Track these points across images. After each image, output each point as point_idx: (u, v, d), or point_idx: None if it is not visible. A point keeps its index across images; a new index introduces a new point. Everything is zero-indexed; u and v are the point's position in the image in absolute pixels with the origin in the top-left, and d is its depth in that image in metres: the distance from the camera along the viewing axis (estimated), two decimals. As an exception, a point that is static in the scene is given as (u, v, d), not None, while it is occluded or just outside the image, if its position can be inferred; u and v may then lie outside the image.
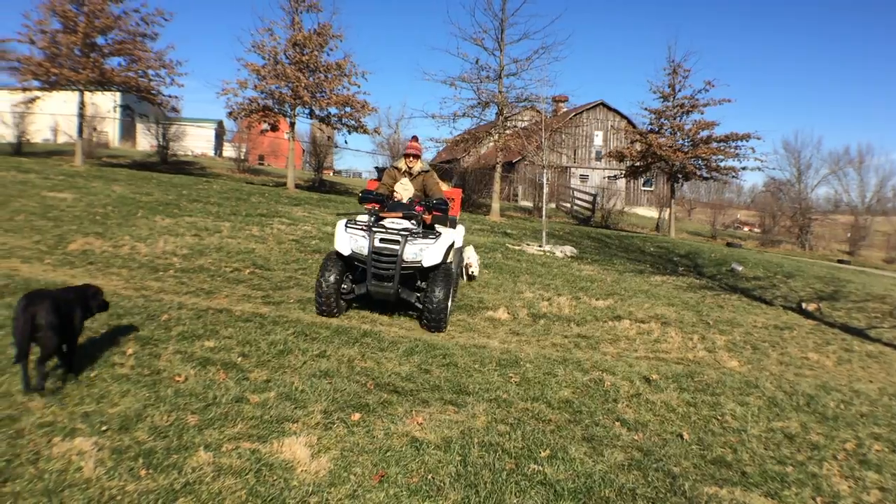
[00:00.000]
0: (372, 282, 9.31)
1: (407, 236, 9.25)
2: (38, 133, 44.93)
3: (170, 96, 31.77)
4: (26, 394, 5.47)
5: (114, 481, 4.22)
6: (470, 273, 13.37)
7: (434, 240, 9.35)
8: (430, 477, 4.78)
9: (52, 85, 29.37)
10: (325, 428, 5.44)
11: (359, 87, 32.52)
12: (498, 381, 7.32)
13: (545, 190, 25.23)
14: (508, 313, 11.00)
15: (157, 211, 17.50)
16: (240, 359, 6.98)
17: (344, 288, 9.66)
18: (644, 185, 60.61)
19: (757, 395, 7.98)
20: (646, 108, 41.85)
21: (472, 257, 13.47)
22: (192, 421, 5.25)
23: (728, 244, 41.38)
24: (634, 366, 8.67)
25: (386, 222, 9.69)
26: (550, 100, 35.55)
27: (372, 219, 9.70)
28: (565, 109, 53.82)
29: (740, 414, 7.17)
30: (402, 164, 10.86)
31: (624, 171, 45.45)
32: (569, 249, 21.13)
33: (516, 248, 20.15)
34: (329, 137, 50.32)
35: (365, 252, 9.30)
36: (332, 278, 9.30)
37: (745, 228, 70.08)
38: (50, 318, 5.51)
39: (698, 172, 40.61)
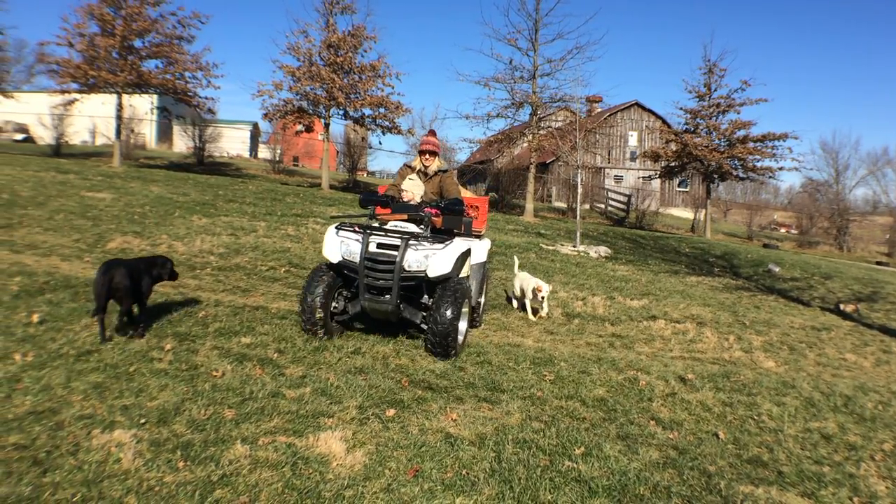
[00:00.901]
0: (366, 295, 7.67)
1: (409, 240, 7.57)
2: (77, 135, 45.62)
3: (206, 98, 32.23)
4: (102, 343, 6.80)
5: (152, 472, 4.28)
6: (540, 297, 10.65)
7: (443, 245, 7.61)
8: (464, 472, 4.79)
9: (90, 87, 29.83)
10: (361, 423, 5.47)
11: (392, 88, 32.81)
12: (532, 379, 7.32)
13: (579, 190, 25.15)
14: (542, 312, 10.98)
15: (193, 211, 17.70)
16: (276, 355, 7.04)
17: (335, 307, 8.01)
18: (679, 185, 60.28)
19: (794, 395, 7.89)
20: (681, 108, 41.67)
21: (539, 282, 10.73)
22: (229, 415, 5.31)
23: (764, 245, 40.99)
24: (670, 365, 8.63)
25: (388, 225, 8.14)
26: (584, 100, 35.42)
27: (371, 221, 8.50)
28: (599, 110, 53.62)
29: (777, 414, 7.09)
30: (416, 163, 9.26)
31: (659, 172, 45.20)
32: (603, 250, 21.07)
33: (550, 248, 20.14)
34: (363, 138, 50.49)
35: (357, 259, 7.63)
36: (318, 293, 7.68)
37: (782, 230, 69.43)
38: (125, 282, 6.94)
39: (734, 172, 40.29)
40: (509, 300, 12.00)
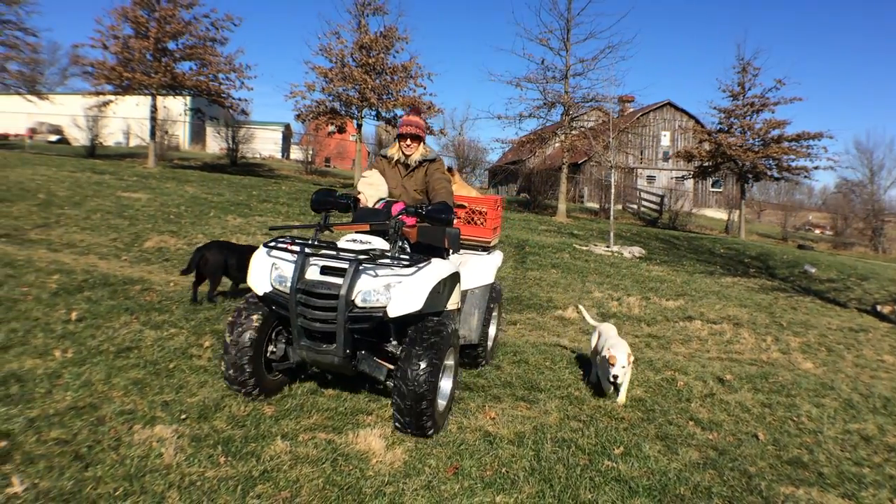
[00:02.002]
0: (302, 341, 5.42)
1: (360, 262, 5.32)
2: (111, 136, 46.03)
3: (239, 99, 32.48)
4: (191, 304, 8.53)
5: (193, 467, 4.31)
6: (611, 375, 6.60)
7: (414, 269, 5.37)
8: (503, 471, 4.77)
9: (125, 89, 30.14)
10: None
11: (424, 88, 32.88)
12: (569, 378, 7.29)
13: (612, 190, 25.03)
14: (578, 312, 10.93)
15: (228, 210, 17.84)
16: (312, 353, 7.07)
17: (273, 351, 5.77)
18: (713, 186, 59.77)
19: (832, 396, 7.81)
20: (715, 108, 41.40)
21: (616, 346, 6.80)
22: (269, 412, 5.34)
23: (799, 246, 40.55)
24: (707, 366, 8.57)
25: (343, 241, 5.75)
26: (617, 100, 35.34)
27: (322, 232, 6.02)
28: (631, 109, 53.30)
29: (816, 415, 7.02)
30: (394, 151, 6.95)
31: (692, 172, 44.92)
32: (637, 250, 20.98)
33: (584, 248, 20.08)
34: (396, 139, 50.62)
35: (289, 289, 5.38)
36: (246, 339, 5.49)
37: (817, 231, 68.69)
38: (214, 259, 8.72)
39: (769, 172, 39.96)
40: (585, 374, 7.72)
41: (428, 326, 5.42)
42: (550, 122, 33.10)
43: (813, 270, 21.56)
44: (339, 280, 5.27)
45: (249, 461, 4.45)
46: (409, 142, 6.74)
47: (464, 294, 6.82)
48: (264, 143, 61.21)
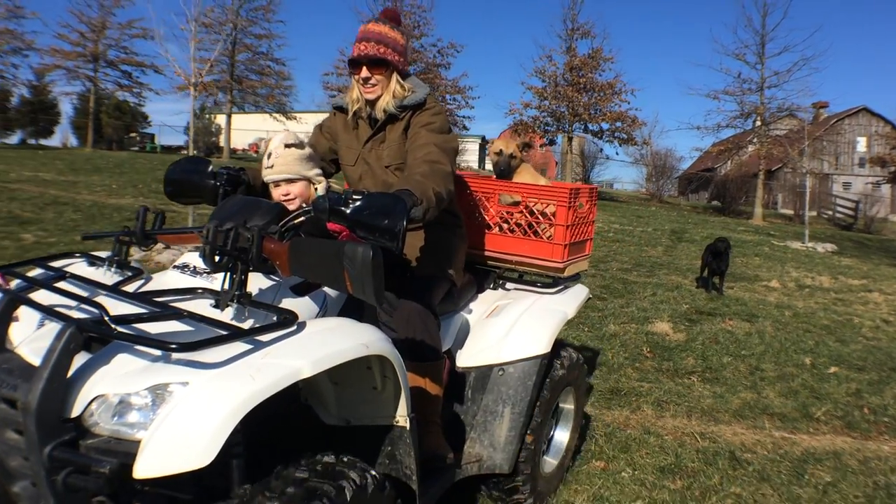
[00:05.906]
0: (8, 484, 1.90)
1: (84, 328, 1.81)
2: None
3: (463, 117, 36.85)
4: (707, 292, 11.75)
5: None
6: None
7: (233, 350, 1.92)
8: (742, 343, 8.50)
9: (367, 109, 35.23)
10: (675, 322, 9.23)
11: (628, 103, 35.93)
12: (776, 313, 10.78)
13: (808, 193, 27.29)
14: (779, 283, 14.14)
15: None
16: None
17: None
18: (909, 191, 59.44)
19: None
20: (904, 114, 42.21)
21: None
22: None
23: None
24: (878, 315, 11.76)
25: (171, 269, 2.55)
26: (811, 107, 37.31)
27: (117, 251, 2.69)
28: (825, 116, 54.01)
29: (955, 341, 10.22)
30: (354, 96, 3.46)
31: (886, 178, 45.66)
32: (830, 246, 23.68)
33: (780, 244, 22.95)
34: (601, 150, 53.18)
35: None
36: None
37: None
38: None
39: (959, 177, 40.61)
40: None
41: (294, 475, 2.11)
42: (742, 131, 35.70)
43: None
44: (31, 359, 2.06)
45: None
46: (365, 73, 3.31)
47: (482, 375, 3.66)
48: (465, 155, 65.83)
